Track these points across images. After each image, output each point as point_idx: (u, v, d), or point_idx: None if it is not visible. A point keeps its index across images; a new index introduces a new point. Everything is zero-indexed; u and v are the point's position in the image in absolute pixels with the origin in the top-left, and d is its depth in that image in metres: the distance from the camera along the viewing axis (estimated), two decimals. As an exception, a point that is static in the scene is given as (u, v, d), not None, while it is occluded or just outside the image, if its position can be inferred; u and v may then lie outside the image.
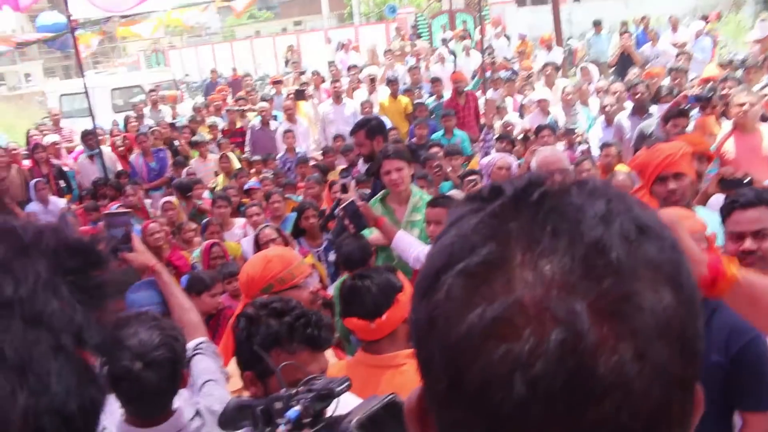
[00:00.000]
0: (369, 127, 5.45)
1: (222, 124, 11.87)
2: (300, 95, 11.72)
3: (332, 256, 5.74)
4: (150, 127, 11.35)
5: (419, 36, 19.10)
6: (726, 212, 2.89)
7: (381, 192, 4.67)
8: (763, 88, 7.43)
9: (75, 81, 14.51)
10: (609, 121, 8.25)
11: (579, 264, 0.56)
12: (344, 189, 5.40)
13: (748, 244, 2.74)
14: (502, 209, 0.61)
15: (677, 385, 0.57)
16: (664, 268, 0.58)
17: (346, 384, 1.74)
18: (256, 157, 9.95)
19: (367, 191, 5.42)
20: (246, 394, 2.15)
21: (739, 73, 8.73)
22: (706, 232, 2.67)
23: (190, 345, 2.46)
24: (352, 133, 5.71)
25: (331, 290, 5.35)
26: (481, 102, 10.68)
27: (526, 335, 0.54)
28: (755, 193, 2.84)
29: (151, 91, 14.25)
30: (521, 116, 10.19)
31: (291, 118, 10.88)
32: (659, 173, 3.52)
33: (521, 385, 0.53)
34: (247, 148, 11.00)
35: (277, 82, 14.34)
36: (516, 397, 0.54)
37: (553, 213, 0.59)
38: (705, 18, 15.99)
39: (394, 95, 11.24)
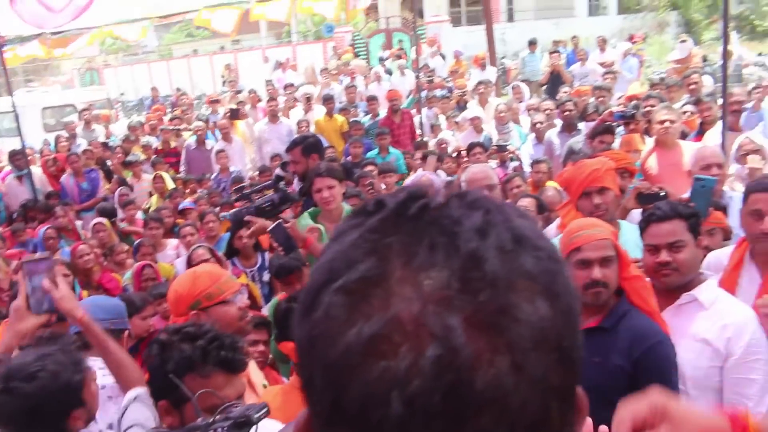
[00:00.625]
0: (305, 145, 5.41)
1: (157, 143, 11.75)
2: (235, 114, 11.66)
3: (266, 276, 5.76)
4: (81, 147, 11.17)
5: (356, 55, 19.26)
6: (643, 226, 2.97)
7: (311, 209, 4.69)
8: (683, 105, 7.73)
9: (3, 99, 14.16)
10: (539, 138, 8.47)
11: (455, 277, 0.55)
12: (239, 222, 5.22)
13: (663, 256, 2.83)
14: (382, 223, 0.60)
15: (556, 394, 0.57)
16: (540, 278, 0.58)
17: (264, 411, 1.73)
18: (192, 177, 9.87)
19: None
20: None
21: (661, 91, 9.06)
22: (617, 241, 2.81)
23: (130, 395, 2.38)
24: (288, 149, 5.63)
25: (266, 310, 5.37)
26: (416, 120, 10.83)
27: (403, 352, 0.53)
28: (670, 207, 2.92)
29: (84, 110, 14.00)
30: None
31: (226, 137, 10.82)
32: (584, 188, 3.64)
33: (399, 404, 0.53)
34: (182, 168, 10.89)
35: (213, 101, 14.26)
36: (394, 416, 0.53)
37: (430, 226, 0.58)
38: (631, 38, 16.53)
39: (329, 114, 11.29)
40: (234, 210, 5.89)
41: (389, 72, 15.88)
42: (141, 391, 2.40)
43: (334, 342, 0.56)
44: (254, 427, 1.71)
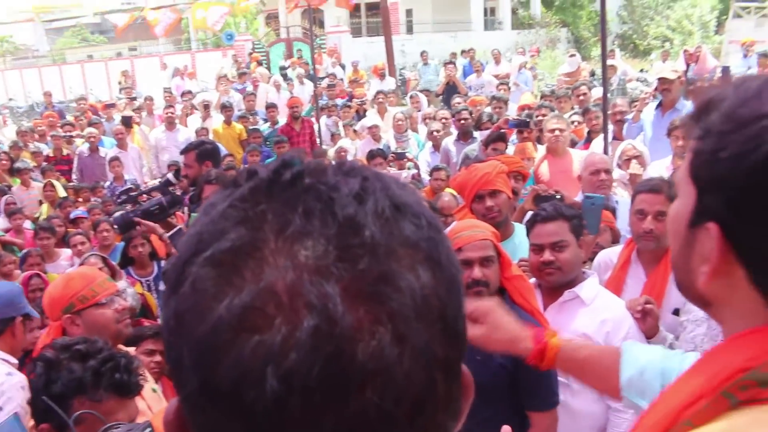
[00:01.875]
0: (201, 151, 5.24)
1: (48, 150, 11.30)
2: (127, 122, 11.34)
3: (163, 286, 5.65)
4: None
5: (260, 63, 19.09)
6: (529, 226, 3.10)
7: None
8: (571, 115, 8.08)
9: None
10: (436, 147, 8.67)
11: (333, 245, 0.52)
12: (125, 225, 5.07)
13: (547, 255, 2.95)
14: (254, 192, 0.56)
15: (441, 367, 0.55)
16: (421, 246, 0.55)
17: (148, 430, 1.64)
18: (85, 185, 9.55)
19: None
20: None
21: (552, 102, 9.44)
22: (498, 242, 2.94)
23: None
24: (183, 152, 5.48)
25: (161, 320, 5.26)
26: (315, 128, 10.87)
27: (278, 324, 0.50)
28: (554, 208, 3.05)
29: (-33, 116, 13.35)
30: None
31: (122, 144, 10.55)
32: (477, 191, 3.76)
33: (274, 380, 0.49)
34: (74, 176, 10.53)
35: (109, 106, 13.85)
36: (270, 393, 0.50)
37: (306, 193, 0.55)
38: (522, 52, 17.12)
39: (228, 122, 11.19)
40: (120, 213, 5.74)
41: (289, 81, 15.88)
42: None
43: (203, 317, 0.52)
44: None
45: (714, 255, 0.88)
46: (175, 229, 4.13)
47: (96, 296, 2.65)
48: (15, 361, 3.19)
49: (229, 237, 0.53)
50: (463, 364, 0.61)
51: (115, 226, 5.57)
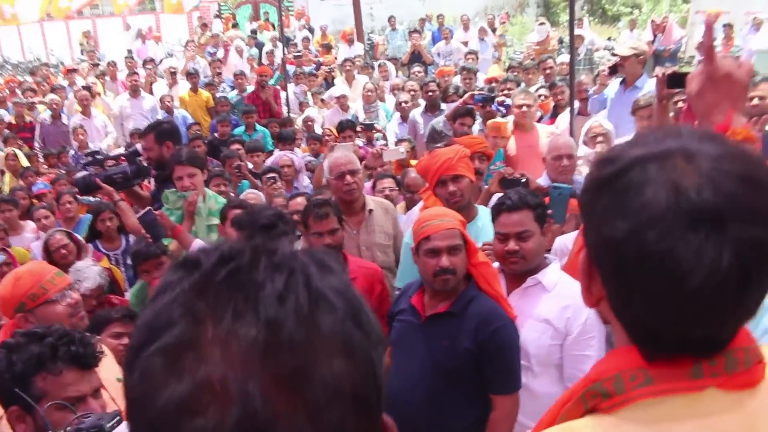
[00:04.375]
0: (159, 131, 5.12)
1: (8, 117, 11.09)
2: (89, 91, 11.10)
3: (130, 260, 5.63)
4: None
5: (235, 26, 18.68)
6: (494, 214, 3.16)
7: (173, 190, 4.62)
8: (538, 89, 8.12)
9: None
10: (404, 118, 8.67)
11: (257, 342, 0.61)
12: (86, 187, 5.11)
13: (512, 245, 3.03)
14: (195, 286, 0.65)
15: None
16: (336, 338, 0.64)
17: (117, 419, 1.72)
18: (53, 150, 9.38)
19: None
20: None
21: (519, 74, 9.46)
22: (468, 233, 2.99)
23: None
24: (141, 135, 5.45)
25: (129, 295, 5.27)
26: (282, 96, 10.79)
27: (211, 411, 0.59)
28: (519, 197, 3.09)
29: None
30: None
31: (86, 111, 10.38)
32: (439, 177, 3.81)
33: None
34: (36, 144, 10.36)
35: (71, 71, 13.54)
36: None
37: (237, 292, 0.63)
38: (491, 19, 17.00)
39: (194, 89, 11.06)
40: (82, 174, 5.68)
41: (260, 45, 15.66)
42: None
43: (153, 402, 0.61)
44: None
45: (583, 276, 1.01)
46: (144, 211, 4.12)
47: (46, 293, 2.68)
48: None
49: (173, 331, 0.63)
50: (384, 415, 0.71)
51: (77, 187, 5.51)
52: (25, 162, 8.99)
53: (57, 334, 1.99)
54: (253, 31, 17.52)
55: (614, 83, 6.98)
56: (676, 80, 3.89)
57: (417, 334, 2.96)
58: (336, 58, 14.16)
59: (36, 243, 6.25)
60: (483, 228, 3.68)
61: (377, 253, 4.22)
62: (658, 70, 5.77)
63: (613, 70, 6.96)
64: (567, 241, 3.54)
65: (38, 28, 26.23)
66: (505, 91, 7.67)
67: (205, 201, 4.54)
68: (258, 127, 9.41)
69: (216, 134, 9.35)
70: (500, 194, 4.24)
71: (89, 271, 4.79)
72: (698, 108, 1.53)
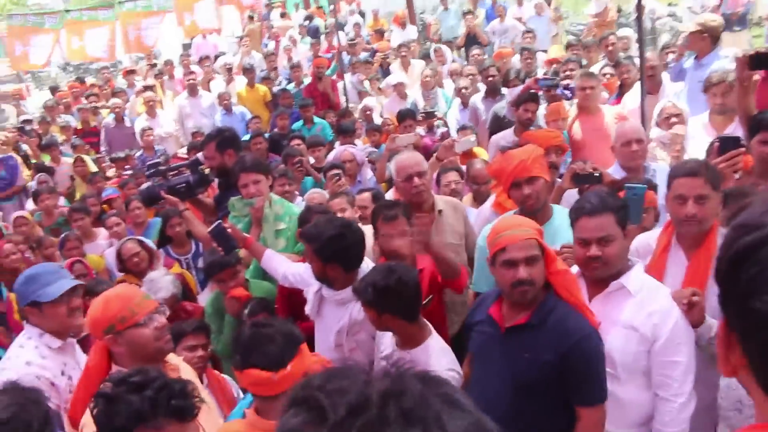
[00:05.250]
0: (221, 140, 5.08)
1: (74, 122, 11.30)
2: (149, 89, 11.23)
3: (201, 263, 5.71)
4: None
5: (284, 15, 18.63)
6: (574, 218, 3.03)
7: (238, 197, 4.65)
8: (602, 68, 7.89)
9: None
10: (464, 104, 8.54)
11: None
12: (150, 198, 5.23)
13: (593, 250, 2.90)
14: None
15: None
16: None
17: None
18: (119, 154, 9.50)
19: None
20: None
21: (579, 53, 9.21)
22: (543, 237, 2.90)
23: None
24: (203, 145, 5.41)
25: (202, 298, 5.34)
26: (340, 86, 10.74)
27: None
28: (600, 200, 2.96)
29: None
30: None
31: (151, 112, 10.48)
32: (513, 179, 3.70)
33: None
34: (102, 148, 10.56)
35: (130, 72, 13.71)
36: None
37: None
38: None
39: (251, 84, 11.09)
40: (146, 185, 5.75)
41: (318, 32, 15.58)
42: None
43: None
44: None
45: (721, 344, 0.97)
46: (215, 224, 4.14)
47: (134, 316, 2.74)
48: (59, 343, 3.32)
49: None
50: None
51: (141, 200, 5.61)
52: (93, 167, 9.18)
53: (156, 386, 1.98)
54: (308, 18, 17.42)
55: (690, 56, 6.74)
56: (760, 61, 3.74)
57: (496, 346, 2.89)
58: (390, 43, 14.02)
59: (110, 250, 6.38)
60: (559, 229, 3.58)
61: (449, 254, 4.15)
62: (734, 51, 5.50)
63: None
64: (649, 239, 3.41)
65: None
66: (567, 72, 7.48)
67: (271, 206, 4.55)
68: (316, 119, 9.39)
69: (276, 129, 9.38)
70: (573, 190, 4.18)
71: (163, 281, 4.88)
72: None
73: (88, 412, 2.16)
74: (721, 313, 0.96)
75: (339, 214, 4.84)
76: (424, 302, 3.60)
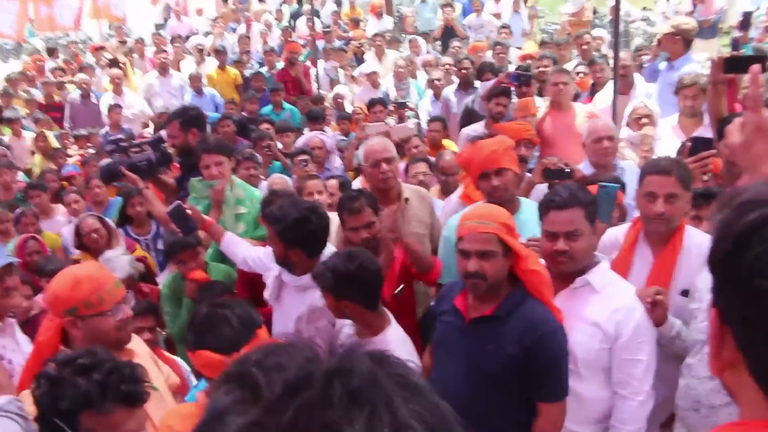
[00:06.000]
0: (185, 119, 4.94)
1: (39, 96, 11.02)
2: (115, 64, 10.99)
3: (161, 244, 5.58)
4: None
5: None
6: (543, 211, 2.99)
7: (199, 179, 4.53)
8: (576, 66, 7.88)
9: None
10: (437, 95, 8.49)
11: None
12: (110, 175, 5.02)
13: (561, 244, 2.86)
14: (255, 427, 0.56)
15: None
16: None
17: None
18: (82, 132, 9.29)
19: None
20: None
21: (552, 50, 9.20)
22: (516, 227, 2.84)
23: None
24: (167, 122, 5.26)
25: (161, 278, 5.21)
26: (312, 73, 10.62)
27: None
28: (570, 194, 2.91)
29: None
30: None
31: (117, 90, 10.25)
32: (482, 170, 3.64)
33: None
34: (66, 124, 10.30)
35: (99, 48, 13.41)
36: None
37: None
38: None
39: (222, 66, 10.93)
40: (106, 161, 5.58)
41: (292, 18, 15.42)
42: (7, 400, 2.16)
43: None
44: None
45: (713, 338, 0.90)
46: (173, 205, 4.02)
47: (102, 304, 2.54)
48: None
49: None
50: None
51: (101, 176, 5.42)
52: (54, 143, 8.96)
53: (105, 370, 1.87)
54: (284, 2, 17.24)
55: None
56: (734, 64, 3.74)
57: (460, 336, 2.83)
58: (365, 32, 13.92)
59: (67, 227, 6.22)
60: (526, 222, 3.53)
61: (420, 247, 4.09)
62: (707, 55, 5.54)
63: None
64: (618, 234, 3.38)
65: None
66: (541, 69, 7.46)
67: (232, 189, 4.44)
68: (285, 105, 9.26)
69: (244, 113, 9.24)
70: (543, 185, 4.14)
71: (120, 261, 4.76)
72: (744, 159, 1.48)
73: (28, 391, 2.03)
74: (714, 305, 0.90)
75: (316, 196, 4.77)
76: (395, 292, 3.53)
